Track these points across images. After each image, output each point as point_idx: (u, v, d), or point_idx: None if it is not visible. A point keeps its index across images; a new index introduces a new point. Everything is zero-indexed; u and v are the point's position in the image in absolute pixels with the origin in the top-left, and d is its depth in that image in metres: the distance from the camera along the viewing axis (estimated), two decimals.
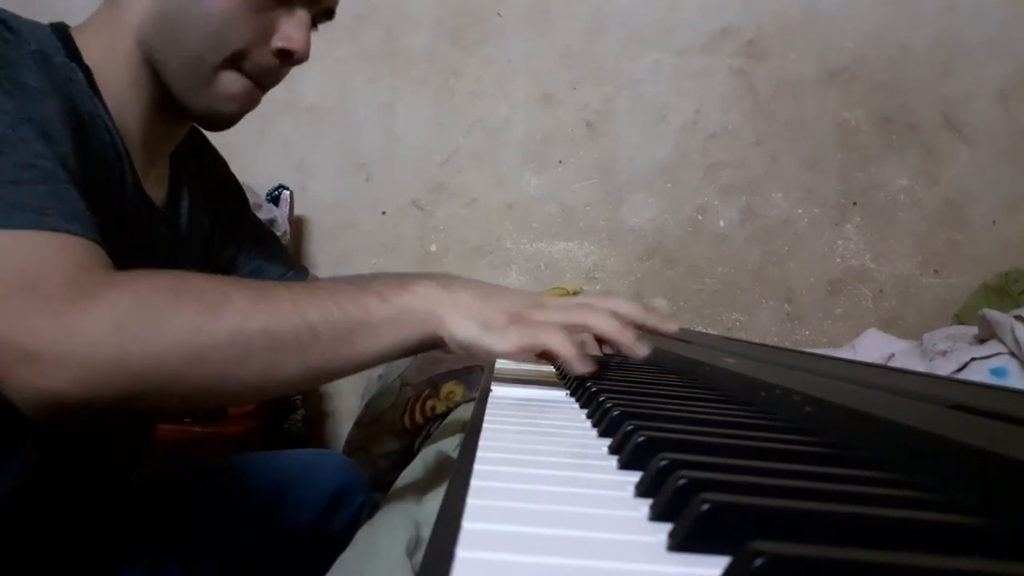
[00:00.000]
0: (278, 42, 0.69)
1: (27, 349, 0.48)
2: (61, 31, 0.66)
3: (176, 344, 0.50)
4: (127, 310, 0.50)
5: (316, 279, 1.00)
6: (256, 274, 0.92)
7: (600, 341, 0.65)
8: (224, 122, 0.72)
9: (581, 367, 0.58)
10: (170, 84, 0.68)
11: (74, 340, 0.48)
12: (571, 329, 0.60)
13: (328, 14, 0.73)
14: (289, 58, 0.70)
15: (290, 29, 0.69)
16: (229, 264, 0.88)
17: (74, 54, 0.64)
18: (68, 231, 0.52)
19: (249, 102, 0.71)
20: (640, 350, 0.61)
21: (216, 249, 0.85)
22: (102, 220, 0.63)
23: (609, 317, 0.62)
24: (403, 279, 0.60)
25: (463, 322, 0.58)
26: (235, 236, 0.89)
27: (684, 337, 1.11)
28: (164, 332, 0.50)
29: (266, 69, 0.70)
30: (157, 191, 0.74)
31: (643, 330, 0.65)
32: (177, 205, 0.78)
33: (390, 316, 0.57)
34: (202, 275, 0.55)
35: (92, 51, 0.66)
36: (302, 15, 0.69)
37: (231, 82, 0.68)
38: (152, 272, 0.54)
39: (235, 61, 0.68)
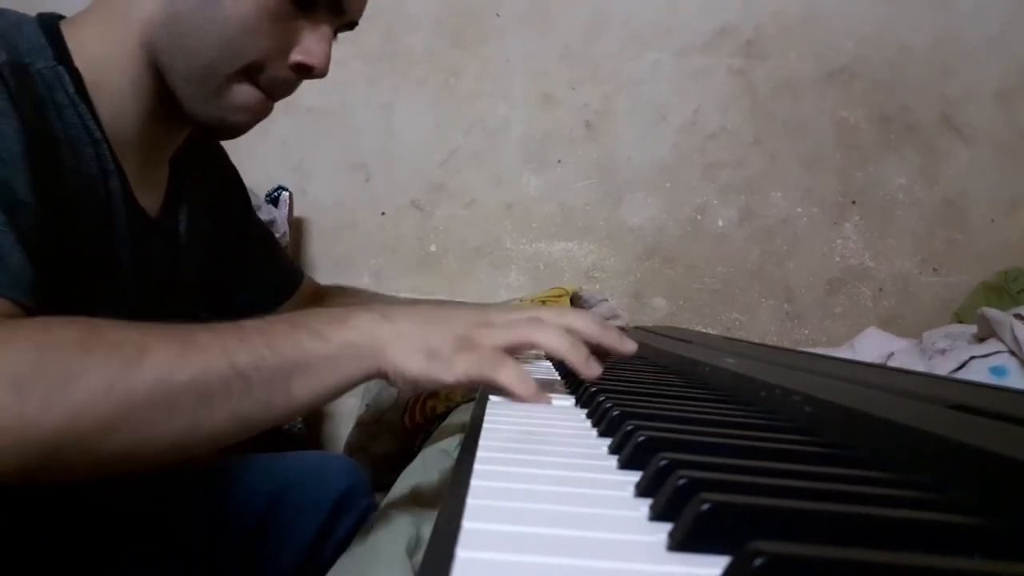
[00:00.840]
0: (298, 56, 0.65)
1: None
2: (50, 25, 0.61)
3: (87, 406, 0.43)
4: (27, 369, 0.42)
5: (314, 282, 1.00)
6: (257, 278, 0.91)
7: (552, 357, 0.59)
8: (233, 132, 0.68)
9: (534, 399, 0.53)
10: (176, 90, 0.64)
11: None
12: (519, 348, 0.56)
13: (351, 26, 0.70)
14: (308, 73, 0.66)
15: (312, 43, 0.65)
16: (230, 268, 0.88)
17: (62, 54, 0.60)
18: None
19: (261, 113, 0.67)
20: (591, 371, 0.56)
21: (219, 253, 0.84)
22: (84, 241, 0.59)
23: (560, 334, 0.56)
24: (340, 312, 0.55)
25: (408, 354, 0.53)
26: (239, 238, 0.88)
27: (684, 337, 1.11)
28: (72, 393, 0.43)
29: (281, 82, 0.66)
30: (153, 199, 0.71)
31: (599, 349, 0.60)
32: (175, 212, 0.74)
33: (328, 355, 0.51)
34: (115, 323, 0.48)
35: (88, 48, 0.62)
36: (325, 29, 0.65)
37: (243, 93, 0.64)
38: (58, 322, 0.47)
39: (249, 73, 0.64)
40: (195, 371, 0.47)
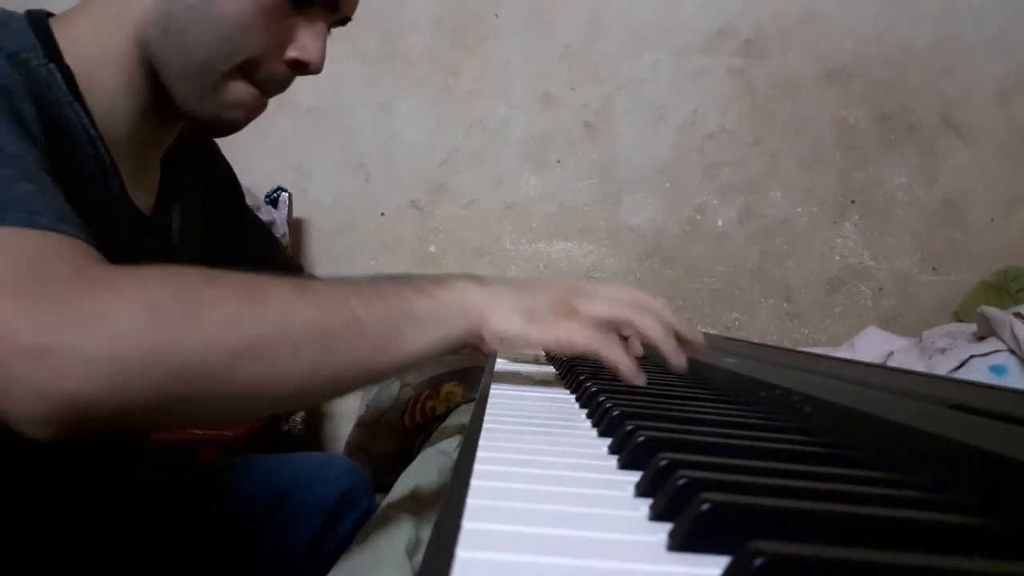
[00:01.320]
0: (293, 52, 0.65)
1: (36, 343, 0.39)
2: (38, 23, 0.60)
3: (219, 335, 0.44)
4: (160, 296, 0.43)
5: (313, 278, 1.00)
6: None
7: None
8: (228, 130, 0.68)
9: (636, 380, 0.55)
10: (171, 88, 0.64)
11: (99, 330, 0.40)
12: (617, 324, 0.58)
13: (343, 21, 0.70)
14: (303, 69, 0.66)
15: (307, 40, 0.65)
16: (226, 265, 0.87)
17: (52, 52, 0.59)
18: (63, 231, 0.47)
19: (256, 110, 0.67)
20: (680, 361, 0.58)
21: (214, 250, 0.83)
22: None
23: (658, 321, 0.58)
24: (440, 277, 0.58)
25: (507, 315, 0.55)
26: (234, 234, 0.87)
27: None
28: (205, 321, 0.43)
29: (277, 79, 0.66)
30: (146, 197, 0.70)
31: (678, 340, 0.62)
32: (168, 211, 0.74)
33: (433, 310, 0.53)
34: (228, 271, 0.49)
35: (79, 46, 0.61)
36: (320, 26, 0.66)
37: (239, 90, 0.64)
38: (173, 266, 0.48)
39: (245, 69, 0.64)
40: (316, 312, 0.48)
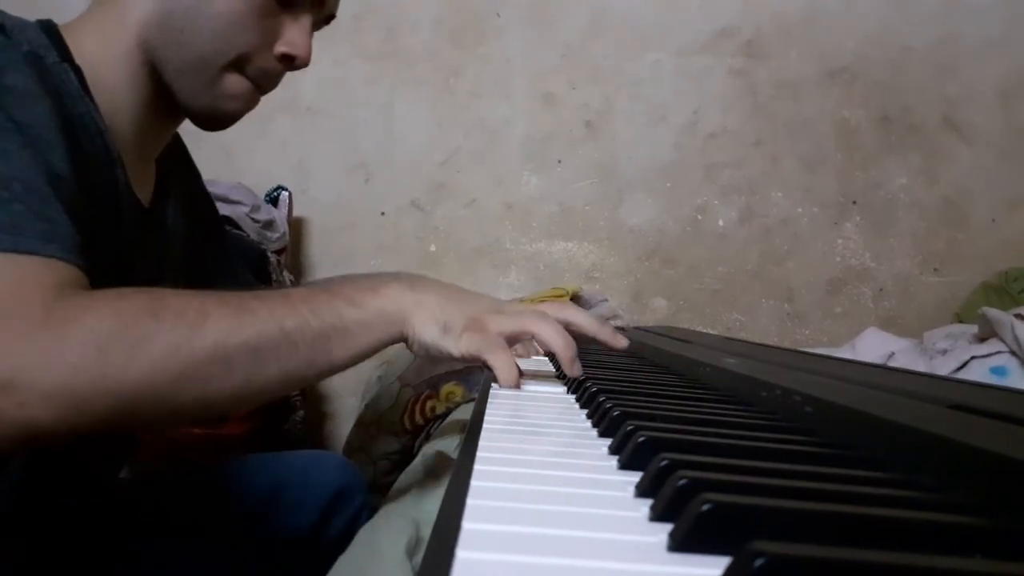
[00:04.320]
0: (282, 47, 0.70)
1: (4, 379, 0.46)
2: (50, 30, 0.65)
3: (159, 365, 0.49)
4: (108, 333, 0.48)
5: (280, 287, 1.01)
6: (230, 281, 0.93)
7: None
8: (225, 121, 0.72)
9: (507, 386, 0.60)
10: (172, 84, 0.68)
11: (55, 367, 0.47)
12: (520, 336, 0.63)
13: (328, 19, 0.75)
14: (292, 63, 0.71)
15: (294, 35, 0.70)
16: (206, 265, 0.89)
17: (64, 54, 0.64)
18: (43, 253, 0.51)
19: (250, 103, 0.72)
20: (574, 370, 0.62)
21: (197, 249, 0.86)
22: (96, 223, 0.63)
23: (557, 329, 0.62)
24: (373, 281, 0.62)
25: (426, 324, 0.60)
26: (212, 254, 0.90)
27: (684, 337, 1.11)
28: (147, 353, 0.49)
29: (268, 73, 0.71)
30: (144, 193, 0.74)
31: (595, 342, 0.68)
32: (163, 205, 0.78)
33: (363, 320, 0.58)
34: (178, 292, 0.55)
35: (86, 50, 0.65)
36: (305, 21, 0.70)
37: (234, 83, 0.69)
38: (128, 291, 0.53)
39: (239, 64, 0.69)
40: (249, 334, 0.53)
